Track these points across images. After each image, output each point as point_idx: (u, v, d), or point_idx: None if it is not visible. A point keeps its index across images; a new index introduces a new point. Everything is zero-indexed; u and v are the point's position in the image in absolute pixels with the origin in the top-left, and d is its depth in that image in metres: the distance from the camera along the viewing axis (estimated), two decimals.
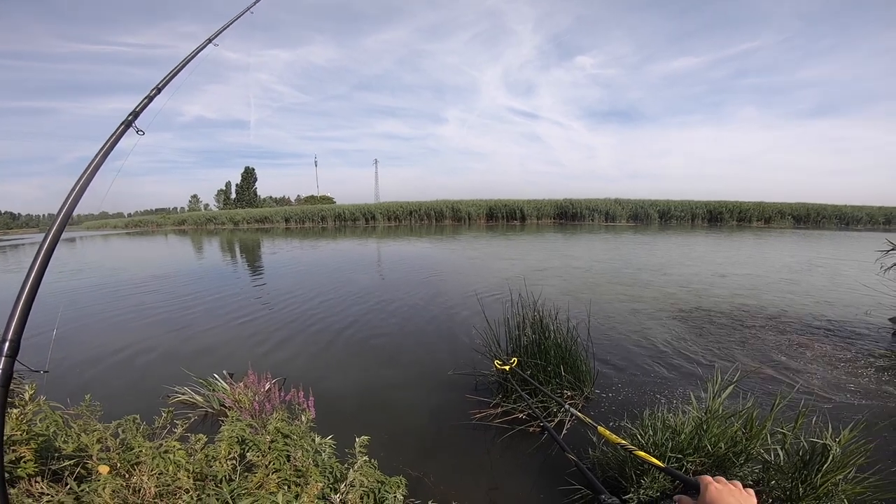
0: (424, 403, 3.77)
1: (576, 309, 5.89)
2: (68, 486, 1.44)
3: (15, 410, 1.74)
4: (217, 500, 1.51)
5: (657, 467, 1.23)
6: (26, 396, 1.81)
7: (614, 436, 1.54)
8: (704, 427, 2.29)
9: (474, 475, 2.83)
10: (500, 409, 3.45)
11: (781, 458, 2.18)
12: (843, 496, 1.99)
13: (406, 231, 27.34)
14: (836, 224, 32.30)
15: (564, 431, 3.18)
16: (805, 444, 2.12)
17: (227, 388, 3.40)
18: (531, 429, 3.23)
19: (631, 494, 2.19)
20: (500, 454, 3.02)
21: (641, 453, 1.30)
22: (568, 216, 33.68)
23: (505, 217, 33.84)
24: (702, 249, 14.90)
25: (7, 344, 0.74)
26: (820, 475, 1.97)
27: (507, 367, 3.16)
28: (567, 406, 2.21)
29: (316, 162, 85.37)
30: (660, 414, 2.58)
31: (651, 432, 2.45)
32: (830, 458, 1.96)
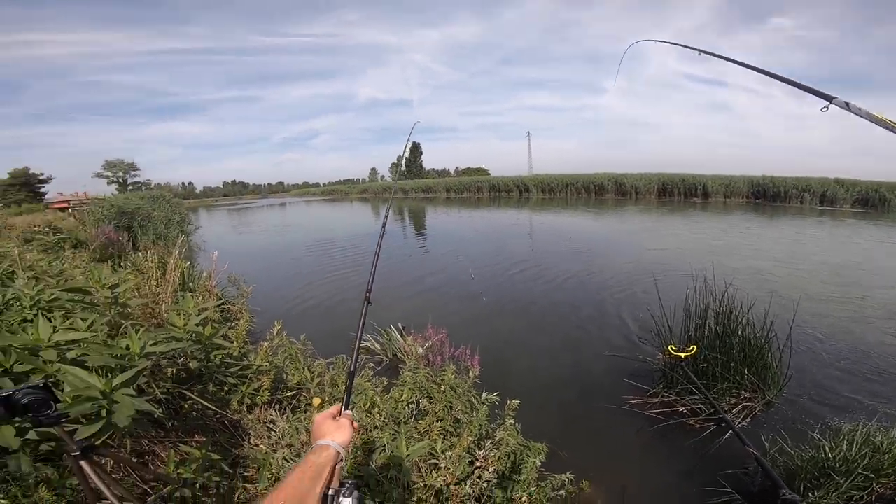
0: (575, 379, 3.73)
1: (777, 305, 4.84)
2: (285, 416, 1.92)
3: (265, 343, 2.32)
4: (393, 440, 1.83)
5: None
6: (274, 332, 2.39)
7: None
8: None
9: (614, 459, 2.72)
10: (658, 399, 3.19)
11: None
12: None
13: (562, 203, 26.28)
14: None
15: (728, 434, 2.79)
16: None
17: (401, 339, 3.96)
18: (690, 423, 2.93)
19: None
20: (650, 444, 2.84)
21: None
22: (767, 196, 26.59)
23: (682, 193, 28.93)
24: None
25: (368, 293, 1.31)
26: None
27: (682, 355, 2.89)
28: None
29: (529, 133, 79.75)
30: (863, 429, 2.13)
31: (845, 446, 2.02)
32: None
